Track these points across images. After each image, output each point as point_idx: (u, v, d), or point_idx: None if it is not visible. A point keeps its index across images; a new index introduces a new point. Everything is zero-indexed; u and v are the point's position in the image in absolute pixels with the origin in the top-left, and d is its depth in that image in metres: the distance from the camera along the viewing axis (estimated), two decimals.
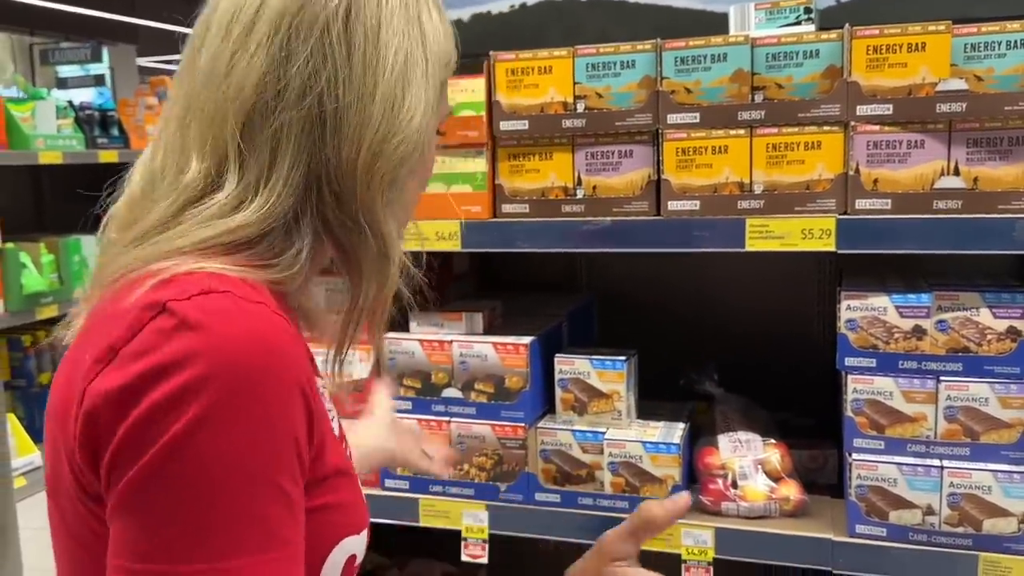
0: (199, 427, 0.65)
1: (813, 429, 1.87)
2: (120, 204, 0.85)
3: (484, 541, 1.72)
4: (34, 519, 3.40)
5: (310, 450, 0.74)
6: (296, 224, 0.79)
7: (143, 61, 13.62)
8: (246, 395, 0.67)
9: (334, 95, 0.78)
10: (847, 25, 1.45)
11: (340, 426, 0.89)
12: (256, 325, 0.70)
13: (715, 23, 1.71)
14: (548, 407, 1.78)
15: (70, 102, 4.06)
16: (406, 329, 1.80)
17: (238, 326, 0.69)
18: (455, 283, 2.16)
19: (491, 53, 1.63)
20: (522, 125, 1.62)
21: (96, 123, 3.98)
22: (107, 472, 0.68)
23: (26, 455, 3.49)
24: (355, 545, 0.82)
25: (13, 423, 3.48)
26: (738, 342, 2.02)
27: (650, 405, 1.83)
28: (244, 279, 0.75)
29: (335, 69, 0.78)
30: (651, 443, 1.64)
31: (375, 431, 1.38)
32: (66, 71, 5.72)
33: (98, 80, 5.36)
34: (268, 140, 0.78)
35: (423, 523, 1.75)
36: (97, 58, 5.65)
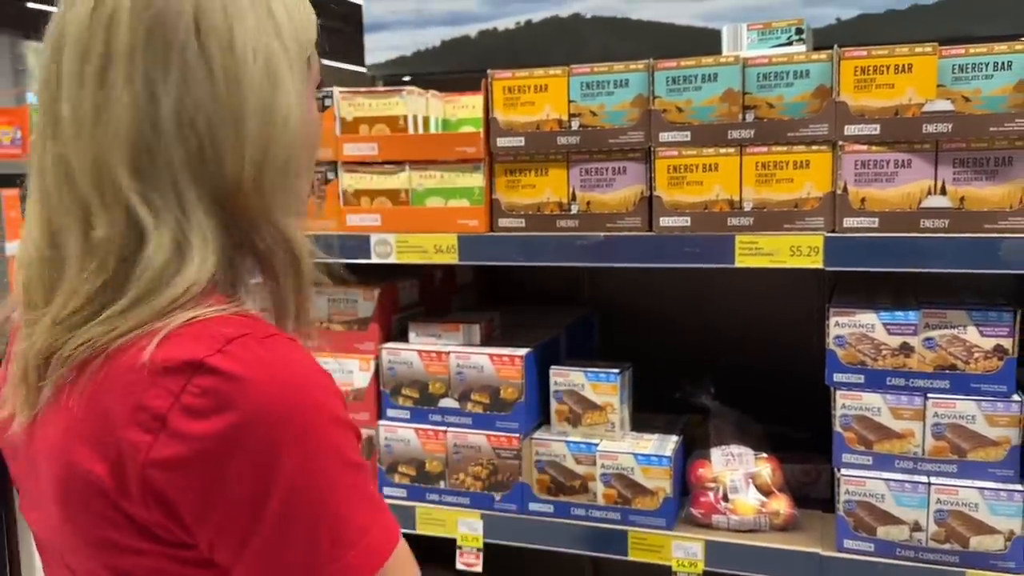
0: (279, 464, 0.73)
1: (811, 443, 1.88)
2: (23, 274, 0.82)
3: (479, 550, 1.75)
4: None
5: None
6: (233, 251, 0.83)
7: None
8: (300, 418, 0.74)
9: (206, 118, 0.77)
10: (836, 46, 1.47)
11: None
12: (286, 355, 0.77)
13: (715, 41, 1.74)
14: (543, 418, 1.81)
15: None
16: (405, 340, 1.84)
17: (274, 366, 0.75)
18: (457, 295, 2.20)
19: (488, 71, 1.67)
20: (518, 141, 1.65)
21: None
22: (215, 532, 0.75)
23: None
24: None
25: None
26: (736, 356, 2.04)
27: (646, 417, 1.85)
28: (242, 314, 0.79)
29: (200, 91, 0.77)
30: (643, 455, 1.67)
31: None
32: None
33: None
34: (166, 179, 0.77)
35: (420, 531, 1.78)
36: None
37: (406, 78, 2.28)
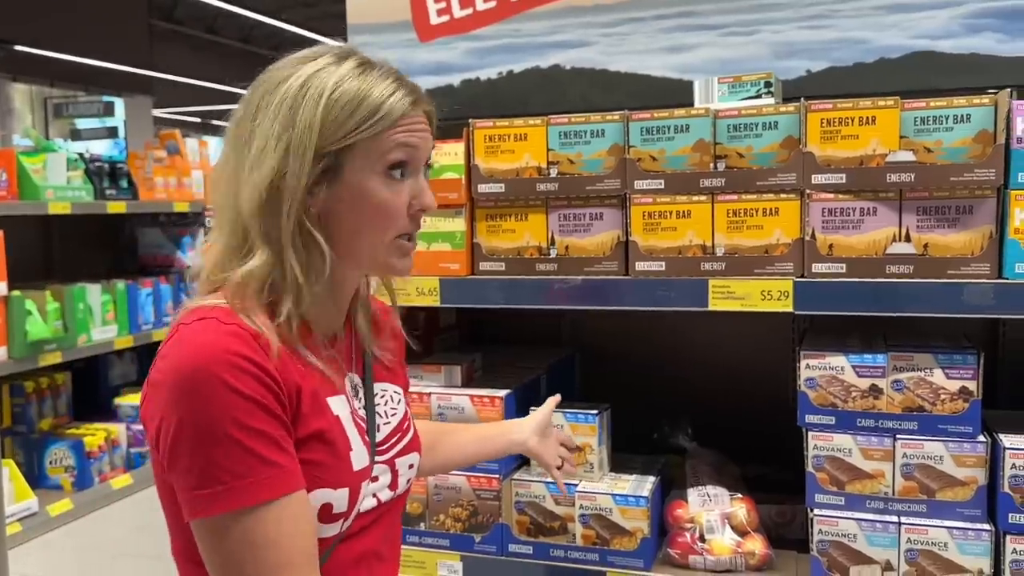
0: (185, 407, 0.97)
1: (790, 484, 1.91)
2: None
3: None
4: (29, 564, 3.42)
5: (285, 409, 1.01)
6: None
7: (158, 112, 13.96)
8: (202, 382, 0.97)
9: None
10: (803, 99, 1.53)
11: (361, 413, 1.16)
12: (210, 336, 1.00)
13: (689, 91, 1.80)
14: (523, 459, 1.83)
15: (80, 154, 4.18)
16: None
17: (194, 342, 1.00)
18: (440, 336, 2.23)
19: (470, 120, 1.72)
20: (499, 188, 1.70)
21: (105, 175, 4.09)
22: (158, 453, 1.01)
23: (23, 500, 3.52)
24: (330, 496, 1.06)
25: (12, 469, 3.53)
26: (714, 398, 2.07)
27: (624, 458, 1.88)
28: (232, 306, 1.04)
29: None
30: (621, 496, 1.69)
31: (518, 426, 1.58)
32: (83, 123, 5.89)
33: (111, 132, 5.52)
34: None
35: (400, 573, 1.79)
36: (110, 112, 5.81)
37: None
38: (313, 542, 1.03)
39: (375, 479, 1.14)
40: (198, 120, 16.96)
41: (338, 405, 1.12)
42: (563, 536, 1.73)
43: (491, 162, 1.71)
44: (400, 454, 1.21)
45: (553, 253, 1.69)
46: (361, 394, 1.19)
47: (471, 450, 1.54)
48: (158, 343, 1.09)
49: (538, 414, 1.59)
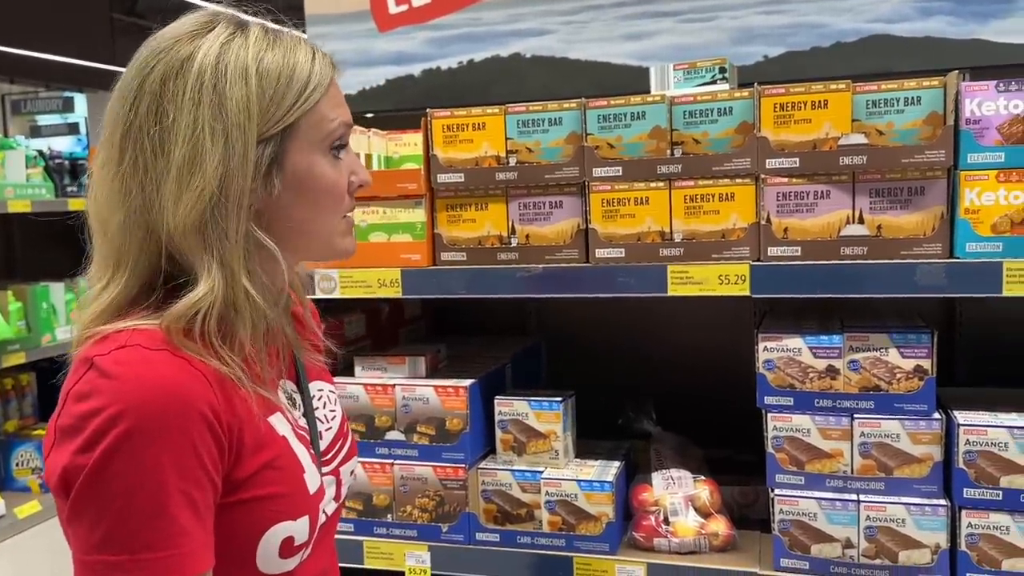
0: (116, 453, 0.83)
1: (753, 466, 1.93)
2: None
3: None
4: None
5: (224, 458, 0.90)
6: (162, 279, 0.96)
7: None
8: (150, 426, 0.84)
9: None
10: (756, 84, 1.54)
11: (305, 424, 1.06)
12: (156, 370, 0.86)
13: (648, 78, 1.81)
14: (490, 448, 1.83)
15: (40, 151, 4.12)
16: (351, 374, 1.86)
17: (129, 375, 0.85)
18: (406, 327, 2.23)
19: (428, 110, 1.71)
20: (458, 178, 1.70)
21: (66, 171, 4.03)
22: (61, 489, 0.88)
23: None
24: (291, 529, 0.96)
25: None
26: (679, 382, 2.09)
27: (590, 444, 1.89)
28: (155, 328, 0.90)
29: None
30: (586, 481, 1.70)
31: None
32: (43, 119, 5.79)
33: (72, 128, 5.43)
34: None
35: (367, 565, 1.79)
36: (70, 108, 5.71)
37: None
38: None
39: (324, 495, 1.04)
40: None
41: (279, 424, 0.99)
42: (530, 523, 1.74)
43: (450, 152, 1.71)
44: (343, 461, 1.12)
45: (514, 242, 1.69)
46: (299, 401, 1.07)
47: None
48: None
49: None
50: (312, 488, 1.00)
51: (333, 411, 1.14)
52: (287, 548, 0.96)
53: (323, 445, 1.08)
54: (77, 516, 0.85)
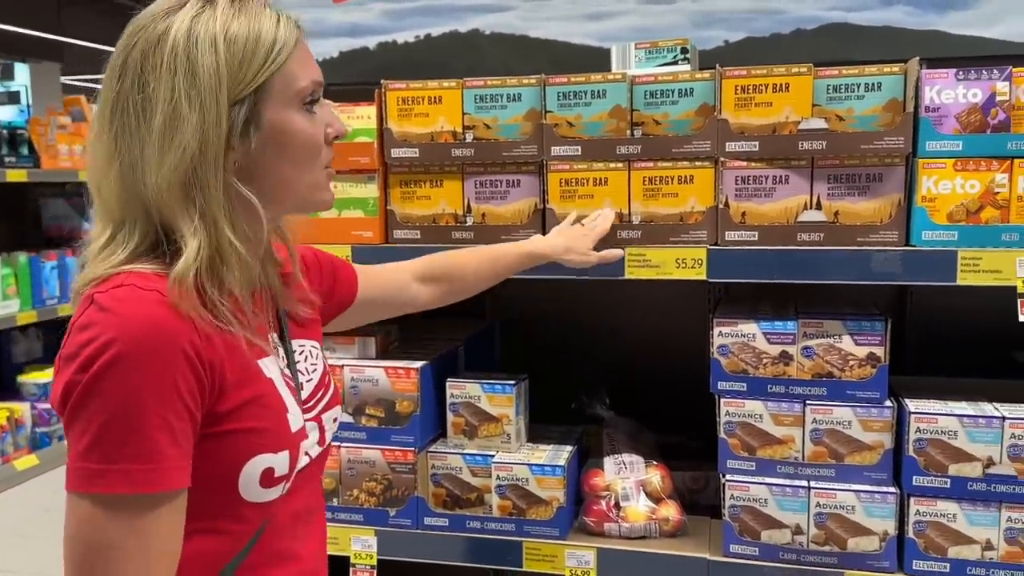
0: (105, 374, 0.92)
1: (706, 451, 1.93)
2: None
3: (373, 567, 1.73)
4: None
5: (204, 392, 0.98)
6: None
7: (69, 79, 13.31)
8: (135, 354, 0.92)
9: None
10: (718, 65, 1.52)
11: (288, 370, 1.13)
12: (144, 308, 0.94)
13: (609, 61, 1.78)
14: (441, 431, 1.80)
15: None
16: None
17: (124, 310, 0.94)
18: None
19: (383, 82, 1.66)
20: (413, 153, 1.65)
21: (4, 141, 3.88)
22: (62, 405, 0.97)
23: None
24: (271, 460, 1.04)
25: None
26: (633, 366, 2.07)
27: (542, 428, 1.86)
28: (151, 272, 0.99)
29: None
30: (537, 465, 1.68)
31: (532, 241, 1.58)
32: None
33: (12, 97, 5.23)
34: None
35: None
36: (9, 76, 5.51)
37: None
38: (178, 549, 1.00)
39: (307, 436, 1.13)
40: None
41: (269, 367, 1.09)
42: (480, 507, 1.71)
43: (404, 126, 1.66)
44: (325, 409, 1.20)
45: (469, 221, 1.66)
46: (282, 352, 1.16)
47: (485, 273, 1.55)
48: (66, 318, 1.02)
49: (555, 230, 1.59)
50: (294, 427, 1.09)
51: (315, 365, 1.21)
52: (267, 478, 1.04)
53: (304, 395, 1.16)
54: (70, 427, 0.95)
